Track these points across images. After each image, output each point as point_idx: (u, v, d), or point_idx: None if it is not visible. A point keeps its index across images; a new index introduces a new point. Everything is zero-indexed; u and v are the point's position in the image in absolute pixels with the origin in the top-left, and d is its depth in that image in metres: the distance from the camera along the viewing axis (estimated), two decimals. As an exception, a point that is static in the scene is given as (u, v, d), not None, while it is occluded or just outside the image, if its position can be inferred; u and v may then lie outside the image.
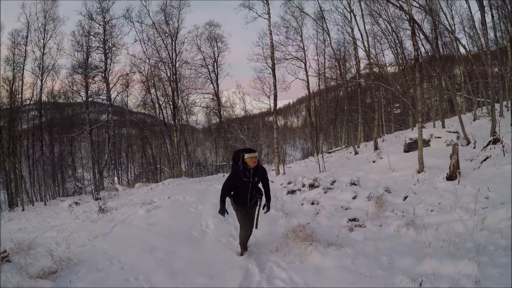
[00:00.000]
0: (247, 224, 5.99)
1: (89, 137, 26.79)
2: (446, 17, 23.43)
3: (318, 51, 30.20)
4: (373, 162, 12.97)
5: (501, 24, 20.51)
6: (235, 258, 5.85)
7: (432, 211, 7.06)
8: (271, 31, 17.14)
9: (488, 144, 10.93)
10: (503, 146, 9.90)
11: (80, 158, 35.65)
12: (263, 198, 6.11)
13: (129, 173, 37.99)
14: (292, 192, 10.45)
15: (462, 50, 26.05)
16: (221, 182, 14.78)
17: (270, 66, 17.66)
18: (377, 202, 7.66)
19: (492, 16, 20.95)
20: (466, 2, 23.31)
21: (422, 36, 19.78)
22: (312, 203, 8.77)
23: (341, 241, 5.82)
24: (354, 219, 7.06)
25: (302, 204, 8.98)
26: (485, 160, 9.70)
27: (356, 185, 9.72)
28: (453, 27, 23.83)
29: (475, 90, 25.04)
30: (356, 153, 19.04)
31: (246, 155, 5.74)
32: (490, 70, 14.78)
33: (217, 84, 31.09)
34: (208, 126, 40.90)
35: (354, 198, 8.56)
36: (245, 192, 5.87)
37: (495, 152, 9.99)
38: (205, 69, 30.81)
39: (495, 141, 10.78)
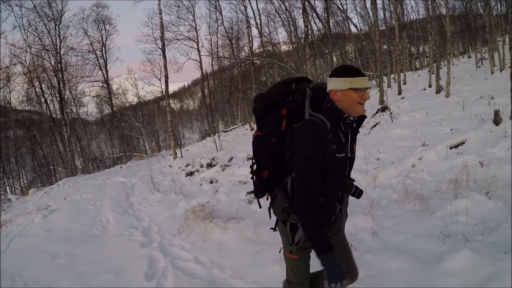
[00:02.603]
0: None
1: (-31, 146, 23.78)
2: (339, -4, 24.70)
3: (211, 31, 29.94)
4: (269, 135, 13.45)
5: (391, 5, 22.20)
6: (138, 248, 5.61)
7: (327, 176, 7.45)
8: (161, 10, 16.36)
9: (377, 112, 11.86)
10: (391, 113, 10.85)
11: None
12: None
13: (21, 179, 34.83)
14: (191, 173, 10.43)
15: (353, 29, 27.79)
16: (118, 174, 13.98)
17: (160, 47, 16.95)
18: (274, 172, 7.91)
19: (382, -4, 22.69)
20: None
21: (314, 15, 20.70)
22: (211, 182, 8.83)
23: (241, 214, 5.88)
24: (252, 192, 7.19)
25: (201, 184, 9.01)
26: (374, 126, 10.52)
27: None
28: (345, 7, 25.29)
29: (365, 65, 26.88)
30: (252, 129, 19.55)
31: (352, 80, 2.11)
32: (377, 45, 15.98)
33: (107, 71, 29.52)
34: (101, 117, 38.58)
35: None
36: (336, 190, 2.40)
37: (383, 118, 10.90)
38: (93, 55, 29.03)
39: (384, 109, 11.76)
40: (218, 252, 4.78)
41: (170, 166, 13.22)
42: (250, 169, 2.58)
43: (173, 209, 6.90)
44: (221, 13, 26.73)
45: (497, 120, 8.23)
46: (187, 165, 11.38)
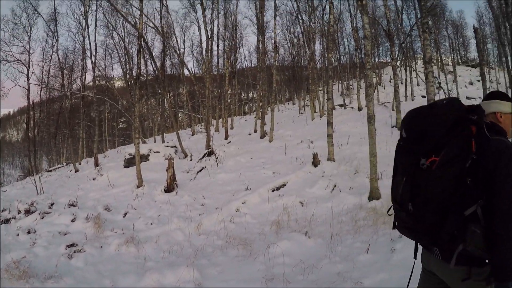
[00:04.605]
0: None
1: None
2: (177, 41, 25.68)
3: (45, 57, 26.75)
4: (94, 179, 12.90)
5: (225, 53, 23.86)
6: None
7: (152, 224, 7.37)
8: (-4, 25, 14.38)
9: (203, 156, 12.35)
10: (217, 158, 11.42)
11: None
12: None
13: None
14: (7, 221, 9.06)
15: (187, 72, 28.88)
16: None
17: (-15, 68, 14.79)
18: (96, 222, 7.51)
19: (218, 46, 24.62)
20: (198, 30, 26.17)
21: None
22: (29, 232, 7.84)
23: (60, 271, 5.33)
24: (72, 245, 6.66)
25: (18, 235, 7.89)
26: (200, 171, 10.91)
27: (75, 206, 9.33)
28: (182, 50, 26.22)
29: (196, 108, 27.87)
30: (77, 170, 18.54)
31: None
32: (207, 91, 16.90)
33: None
34: None
35: (73, 221, 8.11)
36: None
37: (209, 163, 11.39)
38: None
39: (210, 153, 12.30)
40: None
41: (-16, 212, 11.35)
42: (408, 214, 2.02)
43: (-16, 267, 5.96)
44: (57, 39, 24.64)
45: (315, 162, 9.41)
46: (3, 210, 9.92)
